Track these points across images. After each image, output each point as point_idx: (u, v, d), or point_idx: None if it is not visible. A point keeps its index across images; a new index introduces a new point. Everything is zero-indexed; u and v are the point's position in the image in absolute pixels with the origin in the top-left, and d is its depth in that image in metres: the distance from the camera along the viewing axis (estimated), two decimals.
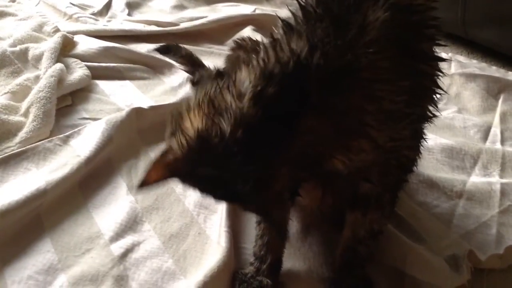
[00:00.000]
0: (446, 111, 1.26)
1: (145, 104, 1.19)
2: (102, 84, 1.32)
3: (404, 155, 0.72)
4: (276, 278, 0.81)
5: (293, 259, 0.85)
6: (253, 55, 0.62)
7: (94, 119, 1.15)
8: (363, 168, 0.67)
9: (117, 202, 0.95)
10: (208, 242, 0.88)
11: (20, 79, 1.25)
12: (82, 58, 1.39)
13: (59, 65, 1.27)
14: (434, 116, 0.77)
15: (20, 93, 1.21)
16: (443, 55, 1.17)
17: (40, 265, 0.81)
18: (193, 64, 1.35)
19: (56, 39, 1.38)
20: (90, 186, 0.98)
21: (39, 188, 0.91)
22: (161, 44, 1.35)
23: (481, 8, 1.49)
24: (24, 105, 1.15)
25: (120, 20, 1.74)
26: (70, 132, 1.09)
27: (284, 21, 0.64)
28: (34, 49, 1.36)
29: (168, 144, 0.63)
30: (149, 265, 0.83)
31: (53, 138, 1.07)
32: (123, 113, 1.12)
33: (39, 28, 1.53)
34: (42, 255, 0.83)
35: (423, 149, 0.83)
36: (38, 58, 1.33)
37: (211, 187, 0.64)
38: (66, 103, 1.22)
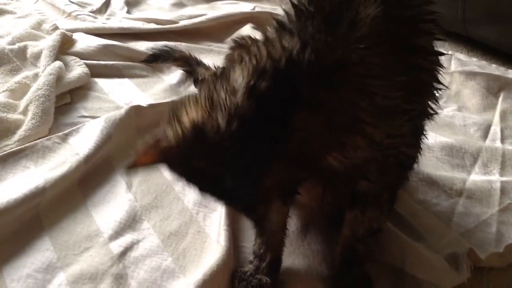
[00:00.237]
0: (446, 109, 1.26)
1: (144, 102, 1.19)
2: (101, 82, 1.31)
3: (403, 152, 0.72)
4: (275, 277, 0.81)
5: (292, 257, 0.85)
6: (246, 54, 0.62)
7: (93, 117, 1.14)
8: (361, 165, 0.66)
9: (116, 201, 0.95)
10: (207, 241, 0.87)
11: (18, 77, 1.24)
12: (81, 56, 1.39)
13: (57, 63, 1.26)
14: (435, 112, 0.77)
15: (18, 91, 1.20)
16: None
17: (39, 263, 0.81)
18: (190, 64, 1.35)
19: (54, 37, 1.38)
20: (89, 184, 0.98)
21: (38, 186, 0.91)
22: (150, 53, 1.37)
23: (481, 6, 1.49)
24: (22, 103, 1.15)
25: (119, 18, 1.73)
26: (69, 130, 1.09)
27: (277, 20, 0.65)
28: (32, 47, 1.36)
29: (163, 131, 0.63)
30: (148, 263, 0.83)
31: (52, 136, 1.07)
32: (122, 111, 1.12)
33: (38, 26, 1.52)
34: (41, 253, 0.83)
35: (423, 147, 0.83)
36: (37, 56, 1.32)
37: (199, 178, 0.64)
38: (65, 101, 1.22)
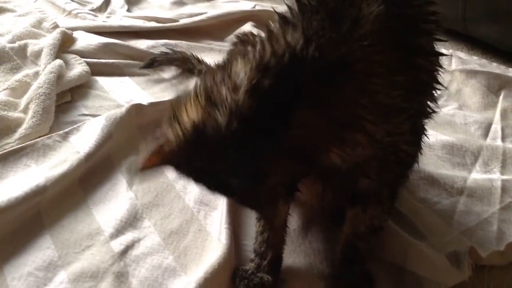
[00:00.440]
0: (446, 108, 1.26)
1: (144, 101, 1.18)
2: (101, 81, 1.31)
3: (403, 150, 0.72)
4: (276, 275, 0.81)
5: (293, 256, 0.85)
6: (249, 48, 0.62)
7: (94, 116, 1.14)
8: (362, 163, 0.66)
9: (117, 199, 0.95)
10: (208, 239, 0.87)
11: (19, 75, 1.24)
12: (82, 54, 1.39)
13: (58, 61, 1.26)
14: (434, 112, 0.77)
15: (19, 89, 1.20)
16: (443, 51, 1.16)
17: (40, 261, 0.81)
18: (190, 63, 1.35)
19: (55, 35, 1.38)
20: (90, 182, 0.98)
21: (38, 185, 0.91)
22: (147, 61, 1.37)
23: (482, 4, 1.49)
24: (23, 102, 1.15)
25: (119, 16, 1.73)
26: (70, 128, 1.09)
27: (280, 14, 0.64)
28: (33, 45, 1.36)
29: (164, 133, 0.63)
30: (150, 261, 0.83)
31: (53, 134, 1.06)
32: (122, 110, 1.12)
33: (38, 24, 1.52)
34: (42, 251, 0.83)
35: (424, 145, 0.83)
36: (37, 54, 1.32)
37: (205, 178, 0.64)
38: (66, 99, 1.22)
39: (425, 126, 0.81)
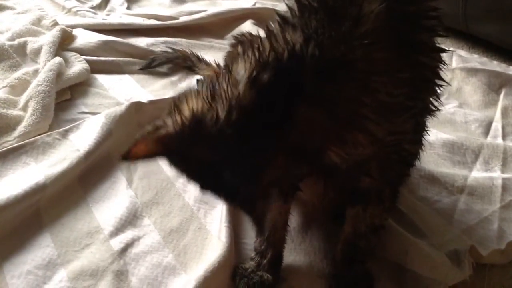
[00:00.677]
0: (447, 106, 1.25)
1: (144, 98, 1.18)
2: (101, 78, 1.31)
3: (405, 149, 0.71)
4: (276, 273, 0.81)
5: (293, 254, 0.85)
6: (249, 47, 0.62)
7: (94, 113, 1.14)
8: (363, 162, 0.66)
9: (117, 197, 0.95)
10: (208, 237, 0.87)
11: (18, 73, 1.24)
12: (81, 52, 1.38)
13: (58, 59, 1.26)
14: (437, 109, 0.77)
15: (18, 87, 1.20)
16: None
17: (39, 260, 0.81)
18: (190, 60, 1.35)
19: (54, 32, 1.38)
20: (90, 180, 0.98)
21: (38, 183, 0.91)
22: (147, 60, 1.36)
23: (483, 2, 1.49)
24: (22, 99, 1.15)
25: (119, 13, 1.73)
26: (69, 126, 1.09)
27: (280, 15, 0.64)
28: (32, 43, 1.35)
29: (162, 120, 0.62)
30: (149, 260, 0.82)
31: (52, 132, 1.06)
32: (122, 107, 1.11)
33: (38, 21, 1.52)
34: (42, 250, 0.83)
35: (424, 143, 0.83)
36: (37, 52, 1.32)
37: (198, 171, 0.63)
38: (65, 97, 1.21)
39: (427, 124, 0.81)
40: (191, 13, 1.69)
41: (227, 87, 0.59)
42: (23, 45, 1.36)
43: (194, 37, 1.57)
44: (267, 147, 0.60)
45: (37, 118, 1.08)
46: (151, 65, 1.37)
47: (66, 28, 1.44)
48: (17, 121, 1.09)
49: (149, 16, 1.67)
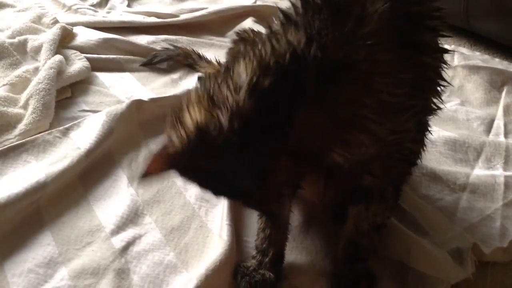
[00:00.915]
0: (449, 104, 1.25)
1: (145, 96, 1.18)
2: (102, 76, 1.31)
3: (407, 148, 0.71)
4: (278, 271, 0.80)
5: (295, 253, 0.85)
6: (251, 48, 0.61)
7: (94, 111, 1.14)
8: (366, 161, 0.66)
9: (118, 195, 0.95)
10: (209, 235, 0.87)
11: (19, 71, 1.24)
12: (82, 49, 1.38)
13: (58, 57, 1.26)
14: (438, 108, 0.77)
15: (19, 85, 1.19)
16: (446, 47, 1.15)
17: (40, 258, 0.81)
18: (191, 58, 1.35)
19: (55, 30, 1.37)
20: (91, 178, 0.98)
21: (39, 181, 0.90)
22: (148, 58, 1.36)
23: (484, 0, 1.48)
24: (23, 97, 1.14)
25: (119, 11, 1.72)
26: (70, 124, 1.08)
27: (283, 12, 0.64)
28: (33, 41, 1.35)
29: (168, 137, 0.63)
30: (151, 258, 0.82)
31: (53, 130, 1.06)
32: (123, 105, 1.11)
33: (38, 19, 1.51)
34: (43, 248, 0.83)
35: (426, 141, 0.83)
36: (37, 50, 1.32)
37: (210, 181, 0.64)
38: (66, 95, 1.21)
39: (429, 123, 0.80)
40: (191, 11, 1.69)
41: (227, 93, 0.59)
42: (24, 43, 1.35)
43: (194, 34, 1.56)
44: (271, 152, 0.60)
45: (37, 116, 1.08)
46: (152, 62, 1.37)
47: (67, 26, 1.43)
48: (18, 119, 1.09)
49: (149, 14, 1.67)
